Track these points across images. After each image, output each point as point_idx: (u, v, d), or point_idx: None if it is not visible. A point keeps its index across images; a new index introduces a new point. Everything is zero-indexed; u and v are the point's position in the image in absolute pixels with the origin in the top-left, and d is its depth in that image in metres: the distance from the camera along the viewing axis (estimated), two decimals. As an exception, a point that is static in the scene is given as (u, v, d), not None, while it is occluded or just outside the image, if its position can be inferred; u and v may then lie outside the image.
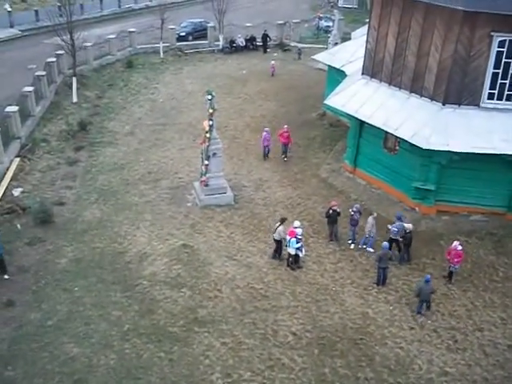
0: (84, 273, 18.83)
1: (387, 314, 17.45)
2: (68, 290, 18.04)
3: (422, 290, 17.15)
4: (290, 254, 19.18)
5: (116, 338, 16.17)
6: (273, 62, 40.94)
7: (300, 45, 45.96)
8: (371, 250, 20.27)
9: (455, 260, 18.46)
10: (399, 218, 19.90)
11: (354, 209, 20.44)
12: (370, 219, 20.12)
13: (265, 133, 26.46)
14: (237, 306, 17.54)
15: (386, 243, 18.83)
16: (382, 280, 18.65)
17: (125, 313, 17.12)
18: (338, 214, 20.66)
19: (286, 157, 26.78)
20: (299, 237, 18.93)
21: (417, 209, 21.73)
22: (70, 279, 18.51)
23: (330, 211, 20.54)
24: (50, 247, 20.07)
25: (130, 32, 44.11)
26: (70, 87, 33.86)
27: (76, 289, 18.08)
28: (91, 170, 25.66)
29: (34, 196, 23.16)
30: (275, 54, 42.38)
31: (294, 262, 19.26)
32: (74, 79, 33.51)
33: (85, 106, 33.13)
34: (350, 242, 20.65)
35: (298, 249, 18.96)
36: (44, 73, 32.24)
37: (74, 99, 33.36)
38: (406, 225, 19.54)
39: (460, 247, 18.47)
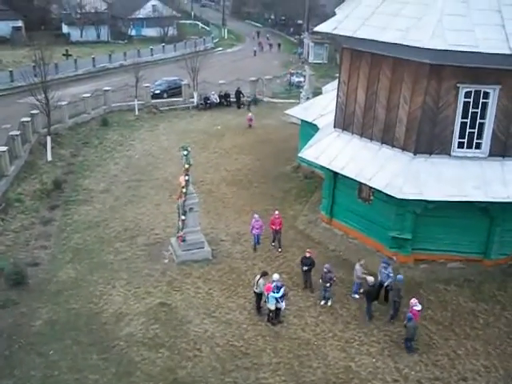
0: (59, 335, 18.25)
1: (370, 367, 17.17)
2: (43, 353, 17.42)
3: (408, 329, 17.62)
4: (270, 310, 18.91)
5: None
6: (250, 114, 41.80)
7: (250, 98, 47.80)
8: (357, 296, 20.30)
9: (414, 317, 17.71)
10: (386, 263, 19.92)
11: (325, 269, 19.80)
12: (358, 266, 20.24)
13: (254, 220, 23.57)
14: (217, 365, 17.10)
15: (400, 276, 19.30)
16: (392, 314, 19.03)
17: (102, 376, 16.54)
18: (312, 262, 20.65)
19: (280, 246, 23.53)
20: (279, 285, 18.76)
21: (394, 258, 21.80)
22: (44, 342, 17.91)
23: (303, 259, 20.68)
24: (23, 309, 19.49)
25: (105, 91, 44.61)
26: (45, 146, 33.81)
27: (51, 352, 17.47)
28: (66, 229, 25.31)
29: (7, 257, 22.66)
30: (250, 114, 42.61)
31: (275, 316, 19.00)
32: (49, 138, 33.50)
33: (59, 164, 33.03)
34: (322, 301, 20.10)
35: (278, 299, 18.68)
36: (18, 132, 32.18)
37: (49, 158, 33.26)
38: (368, 278, 19.33)
39: (419, 307, 18.04)
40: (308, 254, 20.80)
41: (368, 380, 16.64)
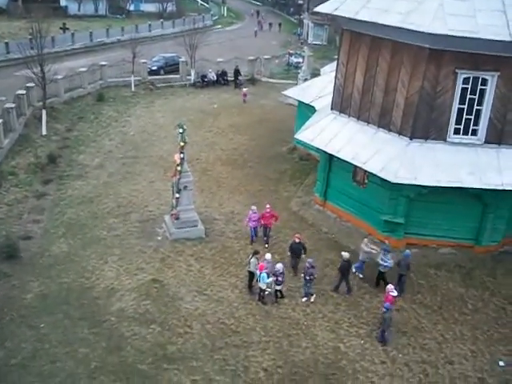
0: (50, 309, 18.32)
1: (358, 348, 17.35)
2: (33, 326, 17.49)
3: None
4: (261, 289, 19.03)
5: (83, 376, 15.68)
6: (245, 89, 41.82)
7: (241, 78, 47.00)
8: (361, 275, 20.64)
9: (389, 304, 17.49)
10: (386, 250, 19.96)
11: (307, 264, 19.18)
12: (366, 240, 20.60)
13: (251, 212, 22.46)
14: (207, 342, 17.24)
15: (408, 251, 19.90)
16: (399, 289, 18.89)
17: (92, 350, 16.65)
18: (303, 247, 20.68)
19: (267, 242, 22.59)
20: (279, 273, 18.86)
21: (386, 242, 21.90)
22: (35, 315, 17.97)
23: (293, 244, 20.62)
24: (15, 282, 19.51)
25: (102, 65, 44.19)
26: (40, 120, 33.54)
27: (42, 325, 17.53)
28: (59, 204, 25.25)
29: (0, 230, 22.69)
30: (245, 89, 43.06)
31: (277, 295, 19.16)
32: (44, 112, 33.24)
33: (54, 138, 32.83)
34: (304, 298, 19.44)
35: (273, 282, 18.81)
36: (13, 105, 31.91)
37: (44, 132, 33.04)
38: (343, 253, 19.74)
39: (395, 293, 17.80)
40: (297, 240, 20.65)
41: (356, 361, 16.83)
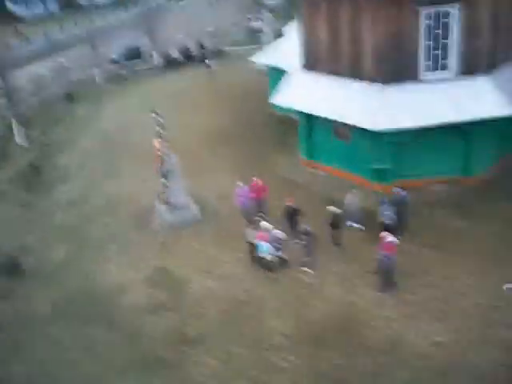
0: (61, 315, 18.41)
1: (369, 297, 17.68)
2: (48, 335, 17.61)
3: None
4: (263, 258, 19.16)
5: (110, 377, 15.85)
6: (206, 60, 42.13)
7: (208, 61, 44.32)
8: (355, 225, 20.85)
9: (388, 252, 17.52)
10: (383, 202, 20.02)
11: (302, 230, 18.97)
12: (349, 196, 20.60)
13: (238, 189, 21.79)
14: (222, 318, 17.48)
15: (403, 192, 20.03)
16: (400, 229, 19.16)
17: (111, 349, 16.81)
18: (295, 210, 20.64)
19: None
20: (280, 239, 19.02)
21: (380, 191, 21.94)
22: (48, 324, 18.08)
23: (286, 208, 20.63)
24: (22, 296, 19.57)
25: (63, 65, 43.43)
26: (12, 129, 33.12)
27: (55, 332, 17.65)
28: (49, 210, 25.14)
29: (-4, 248, 22.58)
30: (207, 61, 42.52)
31: (280, 264, 19.26)
32: (14, 121, 32.75)
33: (31, 146, 32.46)
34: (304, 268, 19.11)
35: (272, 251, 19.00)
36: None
37: (19, 141, 32.63)
38: (330, 207, 19.87)
39: (390, 238, 17.67)
40: (290, 203, 20.67)
41: (368, 310, 17.15)
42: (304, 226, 19.24)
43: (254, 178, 22.27)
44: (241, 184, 22.06)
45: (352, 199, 20.78)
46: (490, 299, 16.98)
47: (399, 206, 19.98)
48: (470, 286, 17.60)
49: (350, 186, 23.30)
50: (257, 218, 20.50)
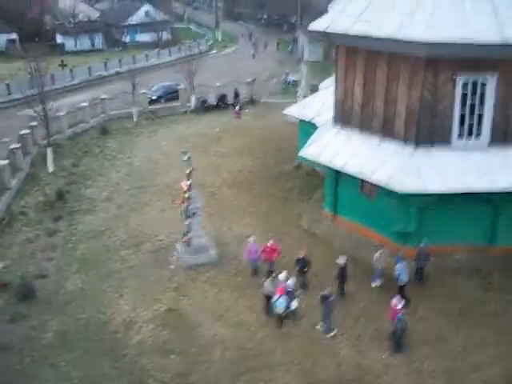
0: (70, 346, 18.31)
1: (381, 362, 17.19)
2: (54, 365, 17.48)
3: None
4: (278, 313, 18.75)
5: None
6: (236, 107, 42.78)
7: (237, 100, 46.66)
8: (378, 283, 20.84)
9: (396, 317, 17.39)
10: (400, 260, 20.01)
11: (321, 296, 18.43)
12: (377, 254, 20.70)
13: (249, 243, 21.47)
14: (229, 367, 17.14)
15: (425, 242, 20.53)
16: (418, 278, 19.60)
17: (114, 385, 16.63)
18: (307, 262, 20.58)
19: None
20: (289, 289, 18.76)
21: (401, 252, 21.74)
22: (55, 354, 17.97)
23: (297, 260, 20.62)
24: (33, 322, 19.53)
25: (102, 99, 44.64)
26: (45, 157, 33.85)
27: (63, 363, 17.53)
28: (71, 240, 25.36)
29: (14, 270, 22.71)
30: (247, 110, 43.47)
31: (291, 316, 18.97)
32: (49, 149, 33.53)
33: (61, 174, 33.05)
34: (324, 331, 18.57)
35: (287, 306, 18.71)
36: (18, 145, 32.28)
37: (50, 169, 33.31)
38: (339, 260, 19.93)
39: (400, 305, 17.59)
40: (302, 255, 20.63)
41: (380, 376, 16.67)
42: (322, 292, 18.57)
43: (270, 241, 21.49)
44: (251, 240, 21.61)
45: (379, 258, 20.63)
46: (507, 378, 16.35)
47: (421, 257, 20.48)
48: (486, 362, 17.04)
49: (371, 244, 23.10)
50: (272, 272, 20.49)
